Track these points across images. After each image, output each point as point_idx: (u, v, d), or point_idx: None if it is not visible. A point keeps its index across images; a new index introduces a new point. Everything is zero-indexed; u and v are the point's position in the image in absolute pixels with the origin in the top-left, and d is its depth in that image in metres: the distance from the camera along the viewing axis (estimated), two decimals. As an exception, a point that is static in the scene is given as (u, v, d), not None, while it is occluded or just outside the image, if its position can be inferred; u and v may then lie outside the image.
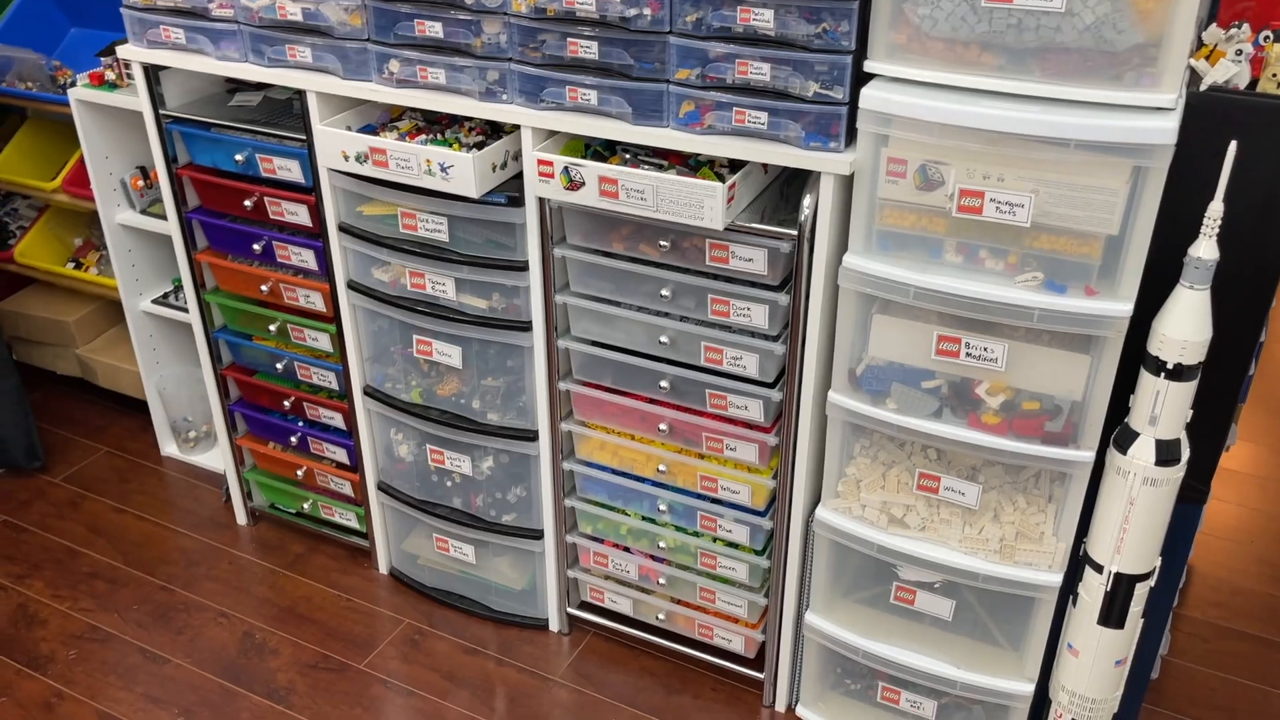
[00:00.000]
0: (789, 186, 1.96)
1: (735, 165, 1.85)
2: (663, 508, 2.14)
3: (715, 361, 1.94)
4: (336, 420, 2.48)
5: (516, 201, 1.98)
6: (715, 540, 2.14)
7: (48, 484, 2.92)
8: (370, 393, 2.37)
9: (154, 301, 2.84)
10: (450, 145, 2.00)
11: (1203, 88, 1.54)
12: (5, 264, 3.08)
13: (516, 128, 1.94)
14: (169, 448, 3.05)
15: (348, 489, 2.56)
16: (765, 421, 1.96)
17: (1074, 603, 1.77)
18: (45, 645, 2.39)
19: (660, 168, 1.88)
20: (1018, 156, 1.52)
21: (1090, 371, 1.62)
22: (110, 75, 2.55)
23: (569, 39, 1.78)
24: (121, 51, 2.24)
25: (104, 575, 2.60)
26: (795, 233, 1.75)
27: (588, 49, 1.77)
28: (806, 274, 1.78)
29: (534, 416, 2.20)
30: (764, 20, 1.61)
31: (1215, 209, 1.45)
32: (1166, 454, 1.59)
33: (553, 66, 1.82)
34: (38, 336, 3.21)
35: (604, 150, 1.95)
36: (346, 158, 2.01)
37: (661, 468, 2.11)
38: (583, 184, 1.82)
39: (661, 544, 2.18)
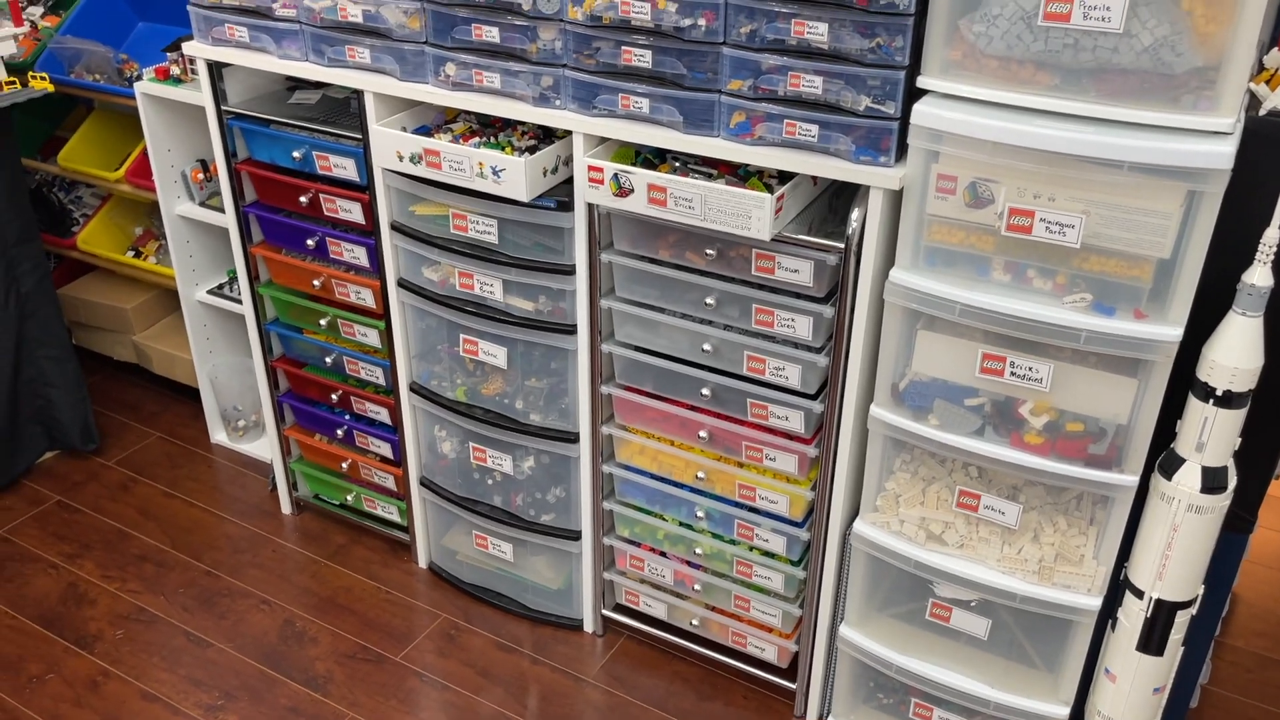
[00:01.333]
0: (837, 199, 1.96)
1: (784, 176, 1.85)
2: (700, 514, 2.15)
3: (757, 371, 1.94)
4: (382, 415, 2.52)
5: (566, 206, 2.00)
6: (752, 549, 2.14)
7: (101, 466, 2.99)
8: (416, 389, 2.40)
9: (209, 292, 2.91)
10: (503, 148, 2.03)
11: (1262, 112, 1.52)
12: (68, 250, 3.17)
13: (568, 133, 1.96)
14: (219, 435, 3.11)
15: (391, 483, 2.60)
16: (806, 433, 1.96)
17: (1113, 627, 1.75)
18: (93, 625, 2.46)
19: (709, 176, 1.89)
20: (1070, 177, 1.51)
21: (1137, 395, 1.61)
22: (175, 70, 2.61)
23: (623, 47, 1.79)
24: (187, 48, 2.30)
25: (152, 558, 2.66)
26: (842, 246, 1.76)
27: (641, 57, 1.78)
28: (852, 287, 1.78)
29: (575, 419, 2.22)
30: (818, 34, 1.62)
31: (1271, 235, 1.44)
32: (1213, 481, 1.57)
33: (606, 74, 1.84)
34: (97, 322, 3.30)
35: (654, 158, 1.97)
36: (401, 158, 2.05)
37: (700, 474, 2.12)
38: (632, 191, 1.83)
39: (698, 550, 2.19)
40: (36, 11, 3.18)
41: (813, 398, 1.92)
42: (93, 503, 2.85)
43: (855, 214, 1.72)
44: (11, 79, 2.58)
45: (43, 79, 2.61)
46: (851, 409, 1.89)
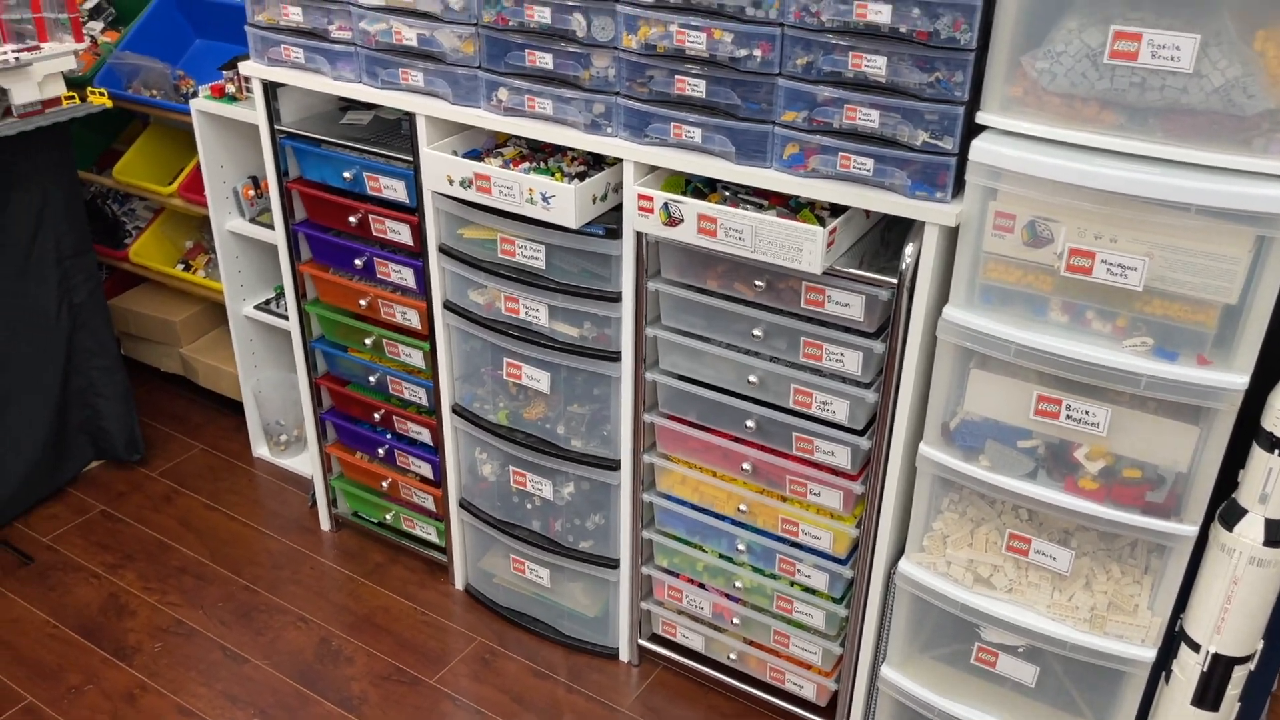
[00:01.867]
0: (890, 232, 1.93)
1: (836, 208, 1.83)
2: (741, 547, 2.12)
3: (804, 405, 1.92)
4: (424, 436, 2.52)
5: (614, 233, 1.99)
6: (793, 584, 2.11)
7: (145, 477, 3.02)
8: (459, 411, 2.40)
9: (256, 307, 2.93)
10: (552, 174, 2.02)
11: (1336, 156, 1.47)
12: (120, 262, 3.21)
13: (618, 160, 1.95)
14: (260, 449, 3.13)
15: (430, 503, 2.60)
16: (852, 469, 1.93)
17: (1167, 680, 1.70)
18: (133, 636, 2.47)
19: (760, 207, 1.87)
20: (1133, 218, 1.47)
21: (1198, 443, 1.56)
22: (230, 88, 2.64)
23: (677, 76, 1.78)
24: (243, 68, 2.32)
25: (192, 571, 2.68)
26: (895, 281, 1.73)
27: (695, 87, 1.77)
28: (904, 323, 1.75)
29: (617, 446, 2.20)
30: (876, 68, 1.60)
31: (1344, 284, 1.39)
32: (1276, 534, 1.52)
33: (659, 102, 1.83)
34: (145, 334, 3.33)
35: (704, 186, 1.95)
36: (451, 182, 2.05)
37: (742, 507, 2.09)
38: (681, 220, 1.82)
39: (738, 584, 2.16)
40: (97, 26, 3.24)
41: (860, 434, 1.89)
42: (136, 513, 2.87)
43: (909, 249, 1.70)
44: (71, 94, 2.62)
45: (101, 94, 2.65)
46: (900, 446, 1.86)
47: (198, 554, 2.73)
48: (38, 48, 2.53)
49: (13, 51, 2.46)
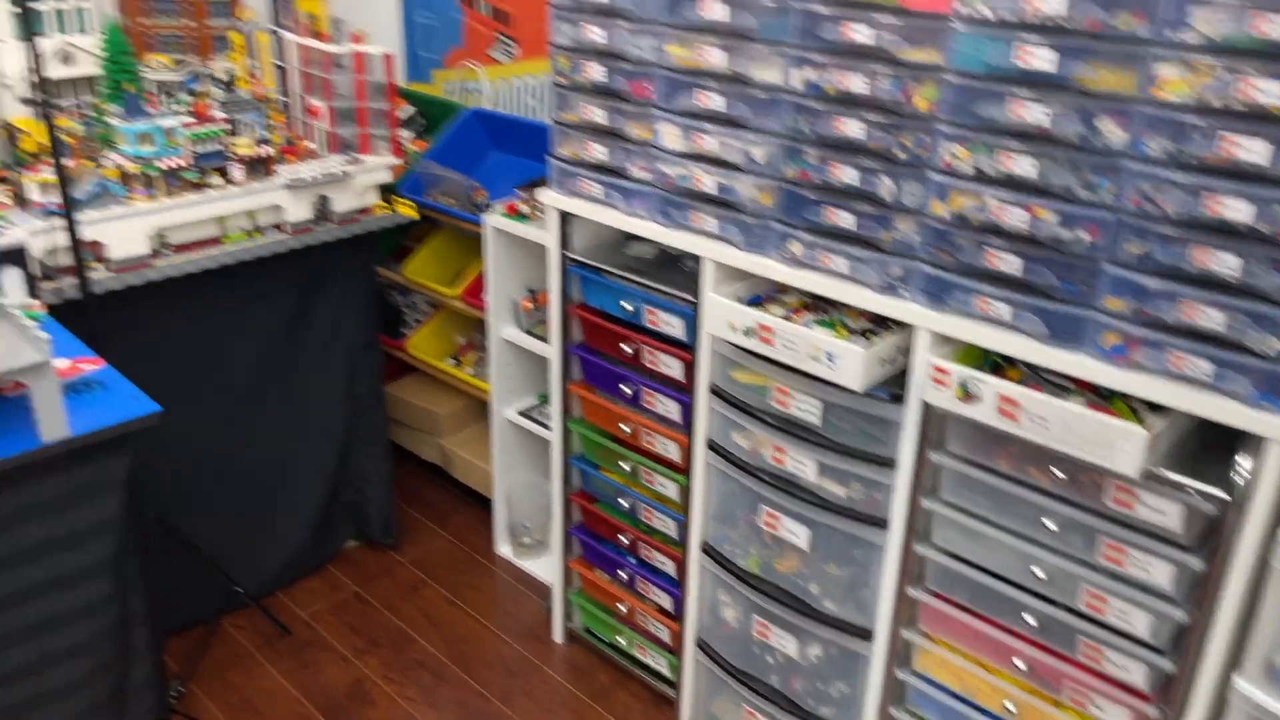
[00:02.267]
0: (1212, 430, 1.75)
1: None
2: (1003, 748, 1.94)
3: (1096, 610, 1.74)
4: (668, 567, 2.49)
5: (898, 398, 1.90)
6: (1060, 801, 1.90)
7: (395, 562, 3.15)
8: (707, 550, 2.35)
9: (519, 412, 3.02)
10: (834, 326, 1.97)
11: None
12: (396, 351, 3.41)
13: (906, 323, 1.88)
14: (504, 548, 3.20)
15: (665, 635, 2.55)
16: (1147, 689, 1.73)
17: None
18: (372, 727, 2.55)
19: (1065, 391, 1.74)
20: None
21: None
22: (524, 208, 2.77)
23: (987, 249, 1.70)
24: (542, 196, 2.43)
25: (430, 666, 2.74)
26: (1225, 496, 1.55)
27: (1008, 263, 1.68)
28: (1232, 543, 1.56)
29: (873, 615, 2.08)
30: (1227, 267, 1.46)
31: None
32: None
33: (963, 272, 1.75)
34: (410, 422, 3.51)
35: (1000, 359, 1.84)
36: (733, 329, 2.04)
37: (1010, 705, 1.91)
38: (979, 399, 1.72)
39: (994, 786, 1.98)
40: (407, 135, 3.50)
41: (1161, 652, 1.69)
42: (384, 599, 2.98)
43: (1246, 464, 1.52)
44: (383, 203, 2.83)
45: (410, 206, 2.85)
46: (1210, 676, 1.64)
47: (437, 650, 2.80)
48: (360, 160, 2.76)
49: (339, 165, 2.68)
